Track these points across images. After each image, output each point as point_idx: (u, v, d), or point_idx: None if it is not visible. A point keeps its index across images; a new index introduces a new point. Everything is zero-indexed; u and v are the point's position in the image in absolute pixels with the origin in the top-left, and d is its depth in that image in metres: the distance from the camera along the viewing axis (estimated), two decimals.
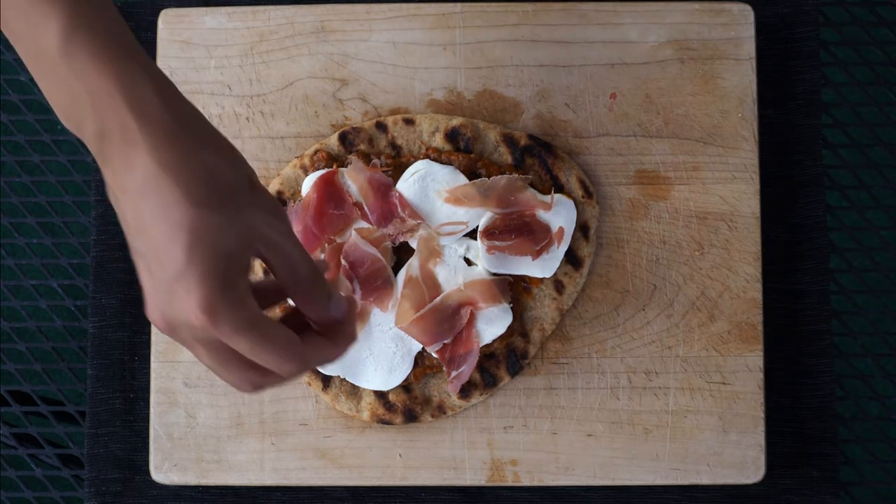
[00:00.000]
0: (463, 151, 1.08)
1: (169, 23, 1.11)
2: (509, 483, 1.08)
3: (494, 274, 1.07)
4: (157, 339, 1.09)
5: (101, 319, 1.13)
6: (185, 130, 0.75)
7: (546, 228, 1.07)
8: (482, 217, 1.07)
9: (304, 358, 0.78)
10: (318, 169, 1.08)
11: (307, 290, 0.80)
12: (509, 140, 1.09)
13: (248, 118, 1.11)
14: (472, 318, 1.06)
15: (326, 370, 1.06)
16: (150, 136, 0.74)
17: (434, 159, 1.08)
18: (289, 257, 0.79)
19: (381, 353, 1.06)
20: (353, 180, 1.07)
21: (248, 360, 0.77)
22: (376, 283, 1.06)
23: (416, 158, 1.08)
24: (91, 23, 0.75)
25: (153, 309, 0.76)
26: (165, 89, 0.76)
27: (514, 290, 1.08)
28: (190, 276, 0.73)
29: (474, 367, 1.06)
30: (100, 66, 0.74)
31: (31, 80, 1.23)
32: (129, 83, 0.74)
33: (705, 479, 1.08)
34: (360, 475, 1.08)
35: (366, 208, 1.07)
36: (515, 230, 1.06)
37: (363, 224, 1.07)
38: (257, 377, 0.78)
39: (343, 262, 1.05)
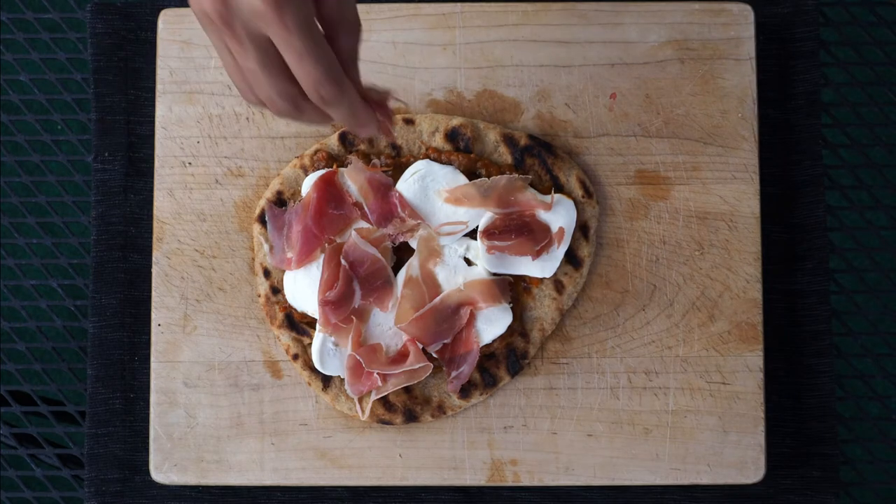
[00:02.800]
0: (463, 151, 1.08)
1: (169, 23, 1.11)
2: (509, 483, 1.08)
3: (494, 274, 1.07)
4: (157, 339, 1.09)
5: (101, 319, 1.13)
6: None
7: (546, 228, 1.07)
8: (482, 217, 1.07)
9: (343, 88, 0.78)
10: (318, 169, 1.08)
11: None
12: (509, 140, 1.08)
13: (248, 118, 1.11)
14: (472, 318, 1.06)
15: (327, 370, 1.06)
16: None
17: (434, 159, 1.08)
18: None
19: None
20: (353, 180, 1.07)
21: (289, 71, 0.77)
22: (376, 283, 1.06)
23: (416, 158, 1.08)
24: None
25: None
26: None
27: (514, 290, 1.08)
28: None
29: (474, 367, 1.06)
30: None
31: (31, 80, 1.23)
32: None
33: (705, 479, 1.08)
34: (360, 475, 1.08)
35: (366, 208, 1.07)
36: (515, 230, 1.06)
37: (363, 224, 1.07)
38: (293, 90, 0.78)
39: (343, 262, 1.05)
